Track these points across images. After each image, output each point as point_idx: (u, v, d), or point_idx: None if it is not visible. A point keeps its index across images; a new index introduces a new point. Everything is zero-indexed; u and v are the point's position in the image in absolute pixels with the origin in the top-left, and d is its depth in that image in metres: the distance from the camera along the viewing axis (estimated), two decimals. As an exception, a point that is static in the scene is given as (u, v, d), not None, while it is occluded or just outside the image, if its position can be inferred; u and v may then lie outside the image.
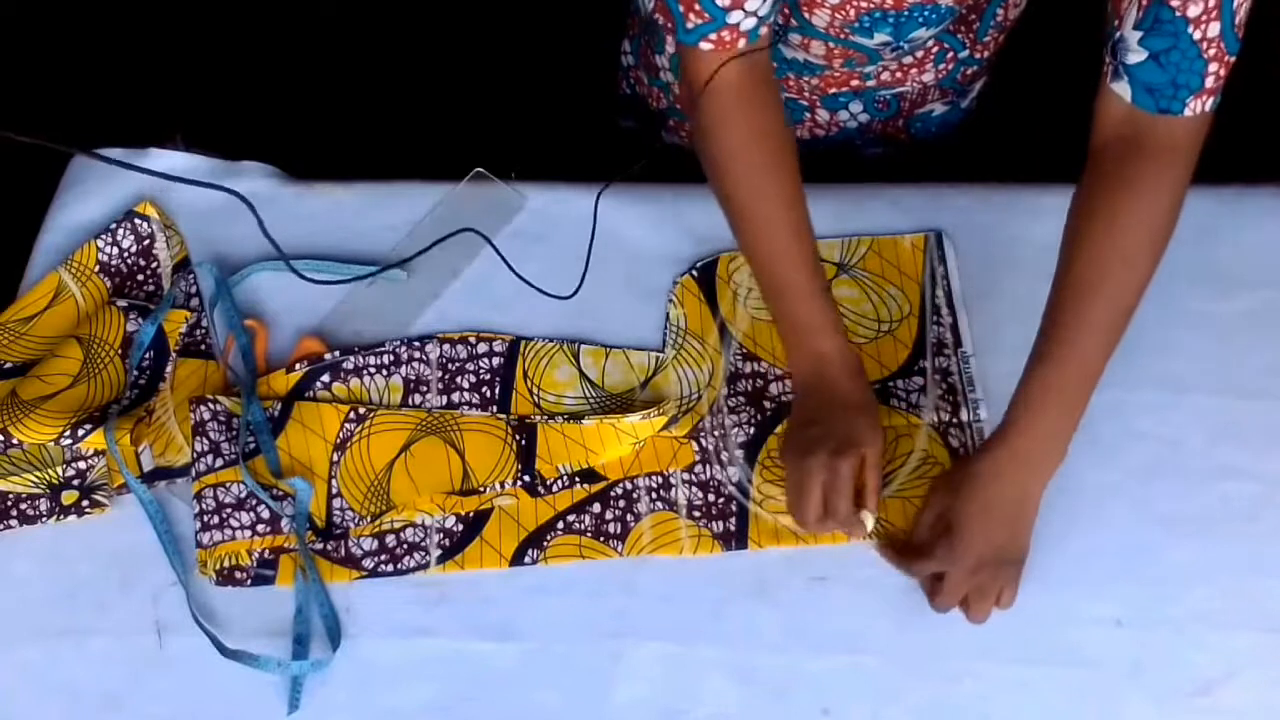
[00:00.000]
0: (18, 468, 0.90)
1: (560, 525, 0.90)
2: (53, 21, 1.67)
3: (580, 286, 0.96)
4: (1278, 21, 0.81)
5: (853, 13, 0.90)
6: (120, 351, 0.95)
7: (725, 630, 0.87)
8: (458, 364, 0.96)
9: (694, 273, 1.01)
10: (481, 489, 0.91)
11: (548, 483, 0.92)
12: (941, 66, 1.02)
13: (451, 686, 0.85)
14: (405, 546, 0.89)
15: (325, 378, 0.95)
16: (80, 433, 0.89)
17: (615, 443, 0.92)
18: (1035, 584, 0.86)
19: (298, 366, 0.95)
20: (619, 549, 0.89)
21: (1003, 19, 0.99)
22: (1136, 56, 0.78)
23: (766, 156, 0.87)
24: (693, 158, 0.91)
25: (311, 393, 0.95)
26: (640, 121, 1.20)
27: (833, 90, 1.05)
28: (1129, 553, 0.90)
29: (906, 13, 0.90)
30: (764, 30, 0.84)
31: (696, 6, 0.81)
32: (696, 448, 0.93)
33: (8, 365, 0.96)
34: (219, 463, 0.90)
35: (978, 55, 1.03)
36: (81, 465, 0.91)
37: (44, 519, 0.90)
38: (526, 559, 0.89)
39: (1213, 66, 0.77)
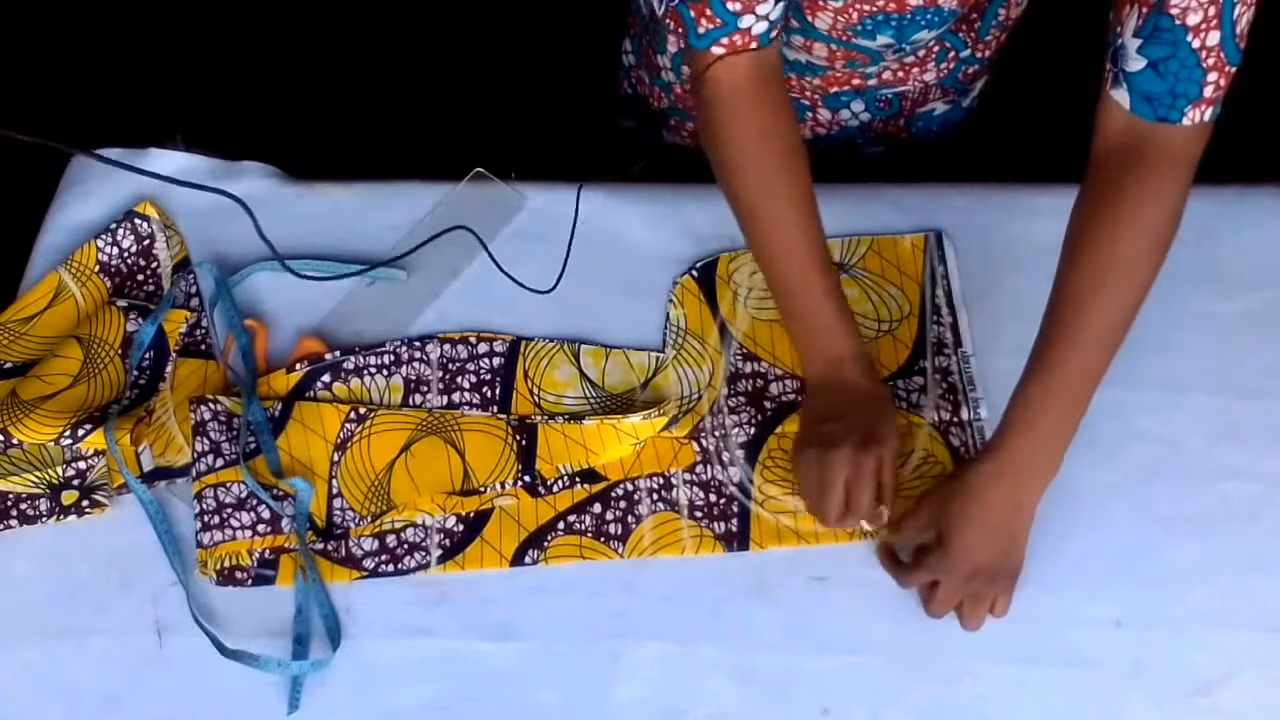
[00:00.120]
0: (18, 468, 0.90)
1: (561, 525, 0.90)
2: (53, 21, 1.67)
3: (559, 280, 0.95)
4: (1277, 22, 0.81)
5: (855, 15, 0.90)
6: (120, 351, 0.95)
7: (725, 630, 0.87)
8: (458, 364, 0.96)
9: (694, 273, 1.01)
10: (482, 489, 0.91)
11: (548, 483, 0.92)
12: (943, 66, 1.02)
13: (451, 686, 0.85)
14: (405, 546, 0.89)
15: (326, 378, 0.95)
16: (80, 433, 0.89)
17: (616, 443, 0.92)
18: (1035, 584, 0.86)
19: (298, 366, 0.95)
20: (620, 550, 0.89)
21: (1004, 18, 0.99)
22: (1135, 64, 0.78)
23: (775, 157, 0.87)
24: (694, 157, 0.91)
25: (312, 393, 0.95)
26: (641, 121, 1.20)
27: (834, 89, 1.05)
28: (1129, 553, 0.90)
29: (909, 15, 0.90)
30: (774, 34, 0.84)
31: (708, 11, 0.81)
32: (697, 448, 0.93)
33: (8, 365, 0.96)
34: (219, 463, 0.90)
35: (979, 54, 1.03)
36: (81, 465, 0.91)
37: (44, 519, 0.90)
38: (527, 559, 0.89)
39: (1212, 76, 0.77)
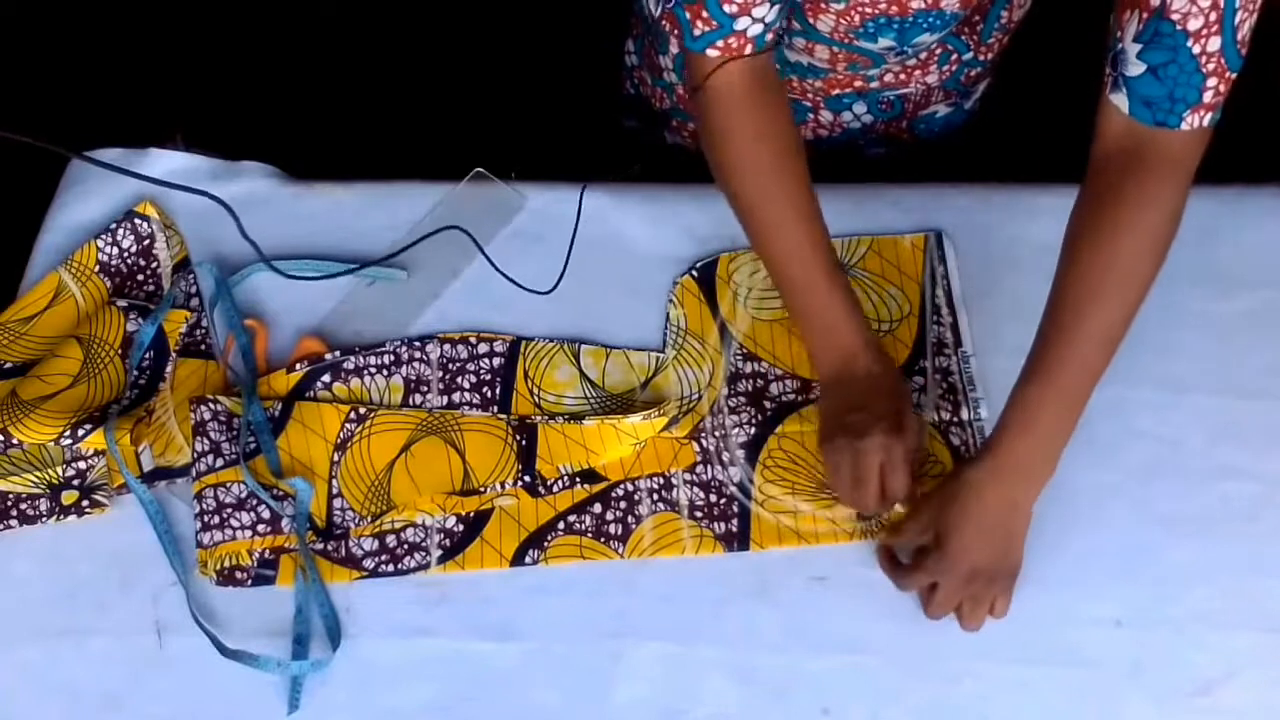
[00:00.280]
0: (18, 468, 0.90)
1: (561, 525, 0.90)
2: (53, 21, 1.67)
3: (559, 282, 0.95)
4: (1277, 21, 0.81)
5: (857, 18, 0.90)
6: (120, 351, 0.95)
7: (725, 630, 0.87)
8: (458, 364, 0.96)
9: (694, 273, 1.01)
10: (482, 489, 0.91)
11: (548, 483, 0.92)
12: (945, 68, 1.02)
13: (451, 686, 0.85)
14: (406, 546, 0.89)
15: (326, 378, 0.95)
16: (80, 433, 0.89)
17: (616, 443, 0.92)
18: (1035, 584, 0.86)
19: (298, 366, 0.95)
20: (620, 550, 0.89)
21: (1006, 21, 0.99)
22: (1135, 69, 0.78)
23: (774, 159, 0.87)
24: (695, 158, 0.91)
25: (312, 393, 0.95)
26: (643, 122, 1.20)
27: (836, 91, 1.05)
28: (1129, 553, 0.90)
29: (911, 18, 0.90)
30: (770, 37, 0.84)
31: (704, 14, 0.81)
32: (697, 448, 0.93)
33: (8, 365, 0.96)
34: (219, 463, 0.90)
35: (981, 57, 1.03)
36: (81, 465, 0.91)
37: (44, 519, 0.90)
38: (527, 559, 0.89)
39: (1212, 81, 0.77)
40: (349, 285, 0.99)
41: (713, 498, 0.91)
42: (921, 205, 1.04)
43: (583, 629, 0.87)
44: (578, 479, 0.92)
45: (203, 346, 0.97)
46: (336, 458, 0.92)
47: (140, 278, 1.00)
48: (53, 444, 0.90)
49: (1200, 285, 0.99)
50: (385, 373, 0.96)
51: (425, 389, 0.95)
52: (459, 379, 0.96)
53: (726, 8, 0.81)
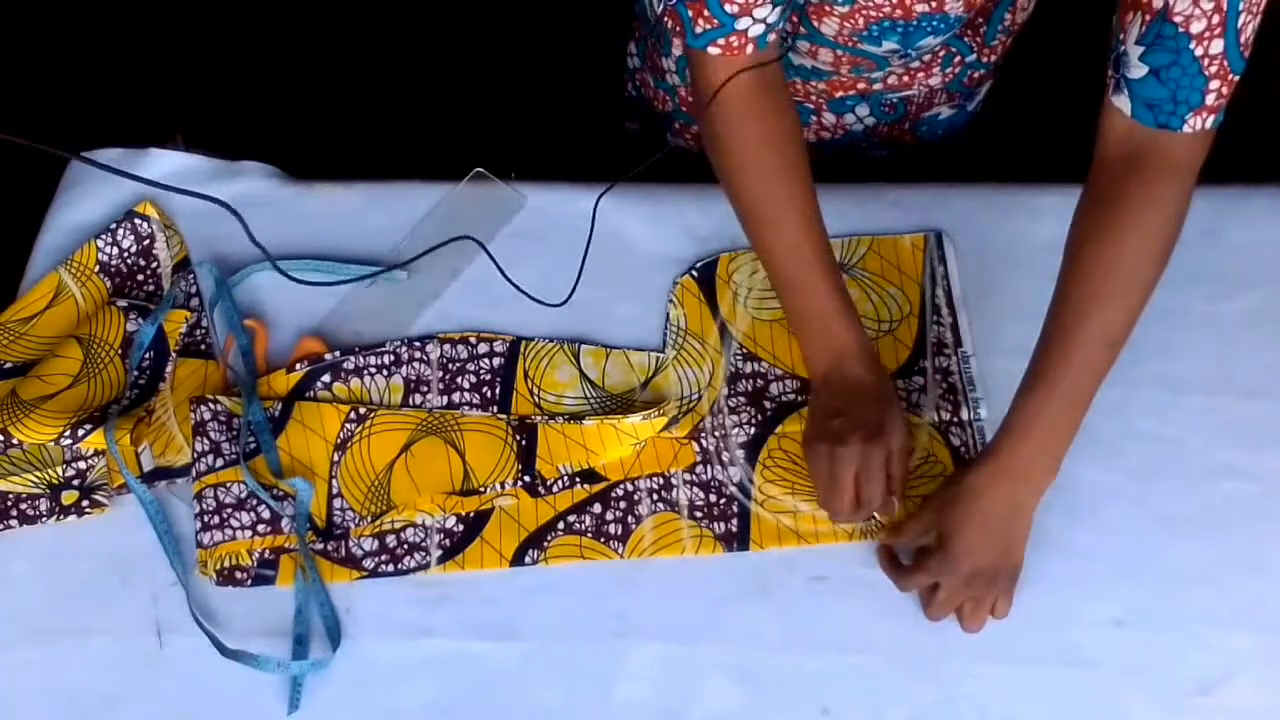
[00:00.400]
0: (18, 468, 0.90)
1: (561, 525, 0.90)
2: (53, 21, 1.67)
3: (573, 293, 0.95)
4: (1277, 20, 0.81)
5: (862, 21, 0.90)
6: (120, 351, 0.95)
7: (725, 630, 0.87)
8: (458, 364, 0.96)
9: (694, 273, 1.01)
10: (482, 489, 0.91)
11: (548, 483, 0.92)
12: (948, 70, 1.02)
13: (451, 686, 0.85)
14: (406, 547, 0.89)
15: (326, 378, 0.95)
16: (80, 433, 0.89)
17: (616, 443, 0.92)
18: (1035, 584, 0.86)
19: (298, 366, 0.95)
20: (620, 550, 0.89)
21: (1010, 23, 0.99)
22: (1138, 71, 0.77)
23: (776, 158, 0.87)
24: (697, 160, 0.91)
25: (312, 393, 0.95)
26: (645, 123, 1.20)
27: (839, 94, 1.05)
28: (1129, 553, 0.90)
29: (915, 22, 0.90)
30: (772, 37, 0.84)
31: (705, 12, 0.81)
32: (697, 448, 0.93)
33: (8, 365, 0.96)
34: (219, 463, 0.90)
35: (985, 59, 1.03)
36: (81, 465, 0.91)
37: (44, 519, 0.90)
38: (527, 559, 0.89)
39: (1214, 84, 0.76)
40: (349, 285, 0.99)
41: (713, 498, 0.91)
42: (922, 205, 1.04)
43: (583, 629, 0.87)
44: (578, 479, 0.92)
45: (203, 346, 0.97)
46: (336, 458, 0.92)
47: (140, 278, 1.00)
48: (53, 444, 0.90)
49: (1200, 285, 0.99)
50: (385, 373, 0.96)
51: (425, 389, 0.95)
52: (459, 379, 0.96)
53: (727, 7, 0.81)
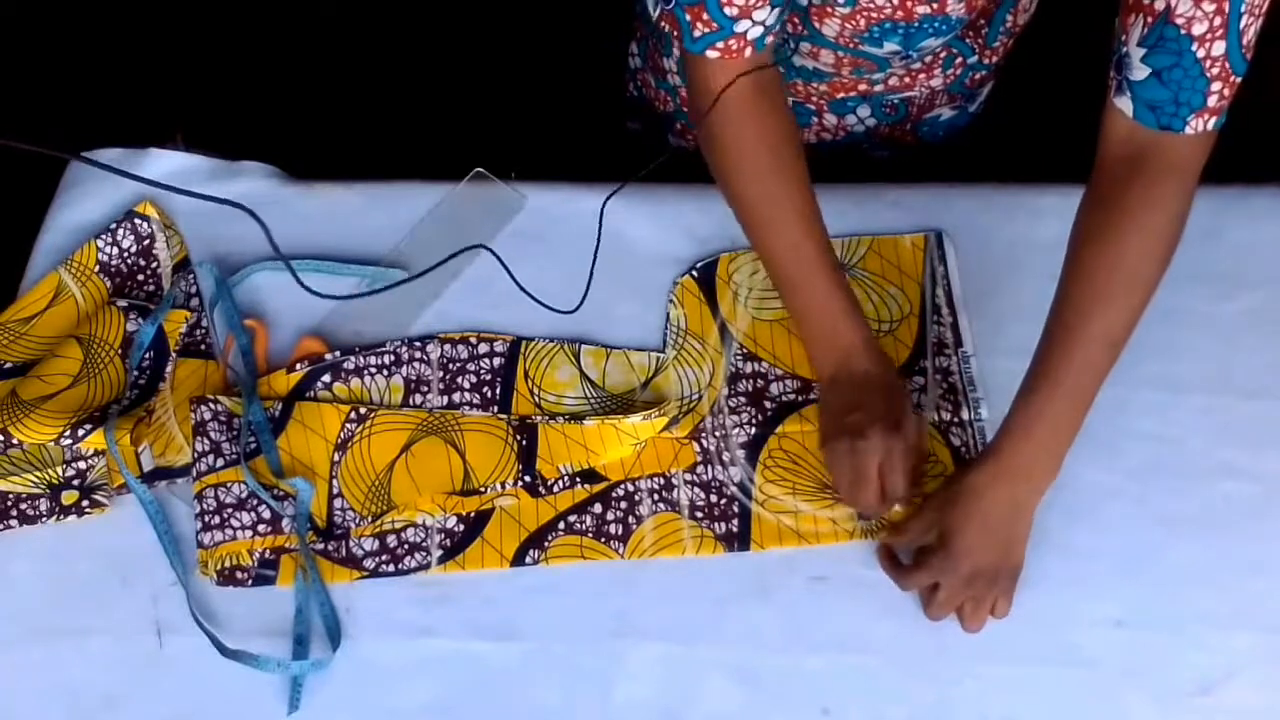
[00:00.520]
0: (18, 468, 0.90)
1: (561, 525, 0.90)
2: (53, 21, 1.67)
3: (584, 300, 0.93)
4: (1277, 21, 0.81)
5: (863, 23, 0.90)
6: (120, 351, 0.95)
7: (725, 630, 0.87)
8: (458, 364, 0.96)
9: (694, 273, 1.01)
10: (482, 489, 0.91)
11: (549, 483, 0.92)
12: (950, 72, 1.02)
13: (451, 686, 0.85)
14: (406, 547, 0.89)
15: (326, 378, 0.95)
16: (80, 433, 0.89)
17: (616, 443, 0.92)
18: (1035, 584, 0.86)
19: (298, 366, 0.95)
20: (620, 550, 0.89)
21: (1011, 25, 0.99)
22: (1140, 73, 0.77)
23: (773, 159, 0.87)
24: (698, 161, 0.91)
25: (312, 393, 0.95)
26: (647, 124, 1.20)
27: (840, 95, 1.05)
28: (1129, 553, 0.90)
29: (916, 24, 0.90)
30: (769, 39, 0.84)
31: (704, 15, 0.81)
32: (698, 448, 0.93)
33: (8, 365, 0.96)
34: (220, 463, 0.90)
35: (986, 60, 1.03)
36: (81, 465, 0.91)
37: (44, 519, 0.90)
38: (527, 559, 0.89)
39: (1216, 85, 0.76)
40: (349, 286, 0.99)
41: (713, 498, 0.91)
42: (922, 206, 1.04)
43: (583, 629, 0.87)
44: (578, 479, 0.92)
45: (203, 346, 0.97)
46: (337, 458, 0.92)
47: (140, 278, 1.00)
48: (53, 444, 0.90)
49: (1200, 285, 0.99)
50: (385, 373, 0.96)
51: (425, 389, 0.95)
52: (459, 379, 0.96)
53: (727, 10, 0.81)
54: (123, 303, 0.97)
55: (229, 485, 0.89)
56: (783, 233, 0.89)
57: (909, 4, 0.88)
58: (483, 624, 0.87)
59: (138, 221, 1.01)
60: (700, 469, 0.93)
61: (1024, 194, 1.04)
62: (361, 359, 0.96)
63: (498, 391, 0.95)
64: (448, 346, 0.97)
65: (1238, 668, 0.85)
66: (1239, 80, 0.77)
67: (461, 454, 0.92)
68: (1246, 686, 0.85)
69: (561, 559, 0.89)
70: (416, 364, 0.96)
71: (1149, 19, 0.76)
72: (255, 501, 0.89)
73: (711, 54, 0.83)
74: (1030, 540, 0.85)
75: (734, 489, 0.92)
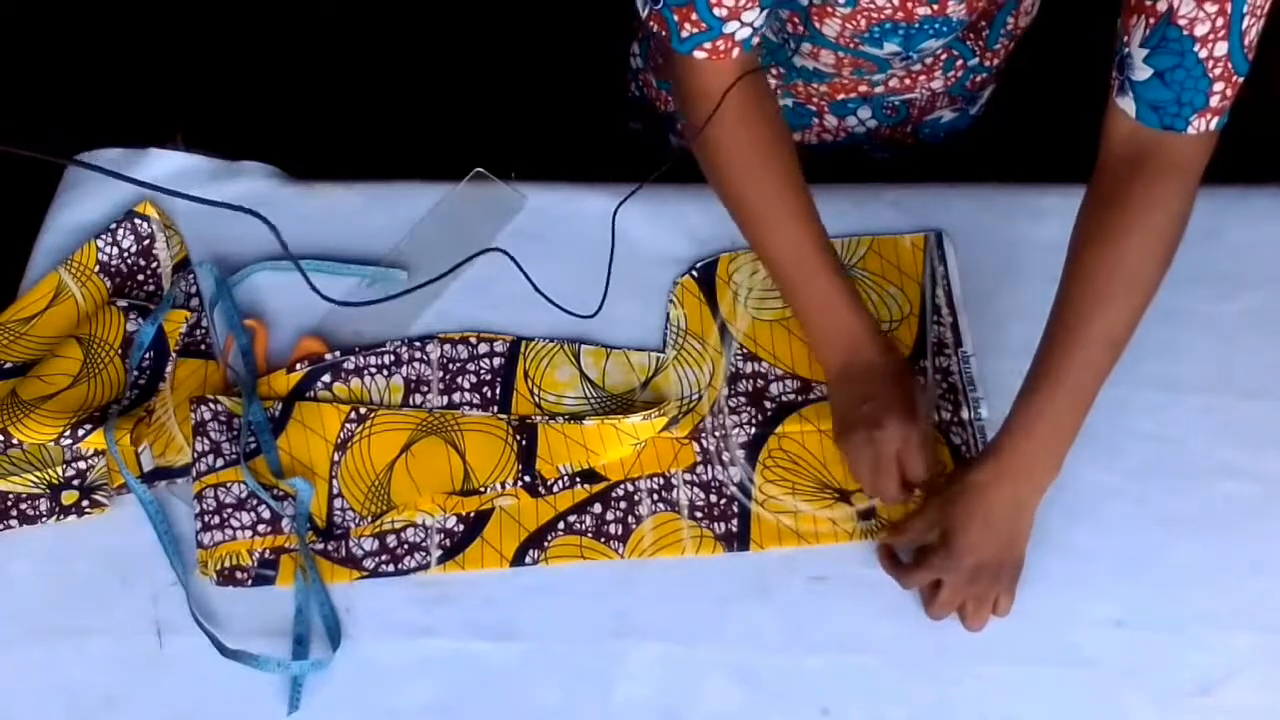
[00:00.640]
0: (18, 468, 0.90)
1: (561, 525, 0.90)
2: (54, 21, 1.67)
3: (602, 305, 0.92)
4: (1278, 21, 0.81)
5: (863, 23, 0.90)
6: (120, 351, 0.95)
7: (725, 630, 0.87)
8: (458, 364, 0.96)
9: (694, 273, 1.01)
10: (482, 489, 0.91)
11: (548, 483, 0.92)
12: (951, 74, 1.02)
13: (451, 686, 0.85)
14: (406, 547, 0.89)
15: (326, 378, 0.95)
16: (80, 433, 0.89)
17: (616, 443, 0.92)
18: (1035, 584, 0.86)
19: (298, 366, 0.95)
20: (620, 550, 0.89)
21: (1013, 27, 0.99)
22: (1142, 74, 0.77)
23: (767, 159, 0.87)
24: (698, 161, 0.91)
25: (312, 393, 0.95)
26: (648, 124, 1.20)
27: (841, 96, 1.05)
28: (1129, 553, 0.90)
29: (917, 25, 0.90)
30: (756, 40, 0.84)
31: (693, 16, 0.81)
32: (698, 448, 0.93)
33: (8, 365, 0.96)
34: (220, 463, 0.90)
35: (987, 63, 1.03)
36: (81, 465, 0.91)
37: (44, 519, 0.90)
38: (527, 559, 0.89)
39: (1218, 85, 0.76)
40: (349, 285, 0.99)
41: (713, 498, 0.91)
42: (922, 206, 1.04)
43: (583, 629, 0.87)
44: (578, 479, 0.92)
45: (203, 346, 0.97)
46: (337, 458, 0.92)
47: (140, 278, 1.00)
48: (53, 444, 0.90)
49: (1200, 285, 0.99)
50: (385, 373, 0.96)
51: (425, 389, 0.95)
52: (459, 379, 0.96)
53: (716, 11, 0.80)
54: (123, 303, 0.97)
55: (229, 485, 0.89)
56: (781, 231, 0.89)
57: (909, 5, 0.88)
58: (483, 624, 0.87)
59: (138, 221, 1.01)
60: (700, 469, 0.93)
61: (1024, 194, 1.04)
62: (361, 359, 0.96)
63: (498, 391, 0.95)
64: (448, 346, 0.97)
65: (1238, 668, 0.85)
66: (1241, 80, 0.77)
67: (461, 454, 0.92)
68: (1246, 686, 0.85)
69: (561, 559, 0.89)
70: (416, 364, 0.96)
71: (1151, 20, 0.76)
72: (255, 501, 0.89)
73: (699, 54, 0.83)
74: (1030, 540, 0.85)
75: (734, 489, 0.92)
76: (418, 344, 0.97)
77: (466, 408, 0.95)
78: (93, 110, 1.51)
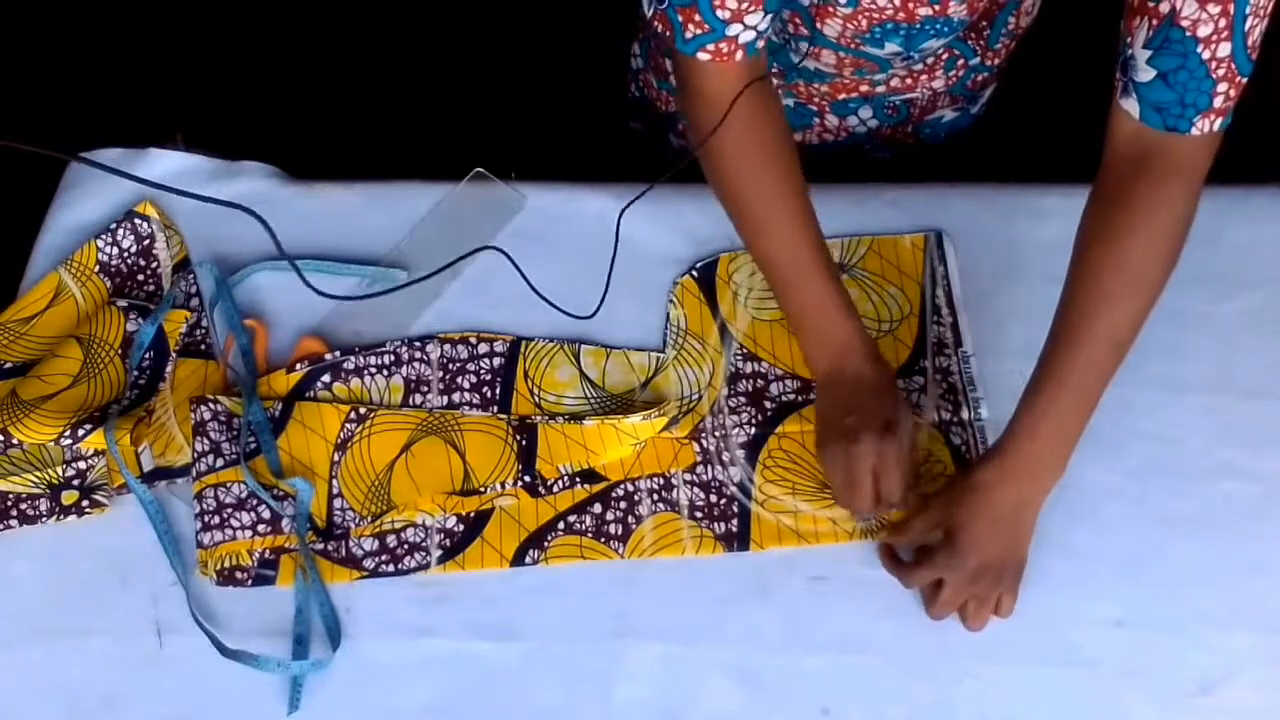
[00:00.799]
0: (18, 468, 0.90)
1: (561, 525, 0.90)
2: (54, 21, 1.67)
3: (600, 306, 0.93)
4: (1278, 21, 0.81)
5: (865, 23, 0.90)
6: (120, 351, 0.95)
7: (725, 630, 0.87)
8: (458, 364, 0.96)
9: (694, 273, 1.01)
10: (482, 489, 0.91)
11: (548, 483, 0.92)
12: (952, 73, 1.02)
13: (451, 686, 0.85)
14: (406, 547, 0.89)
15: (326, 378, 0.95)
16: (80, 433, 0.89)
17: (616, 443, 0.92)
18: (1035, 584, 0.86)
19: (298, 366, 0.95)
20: (620, 550, 0.89)
21: (1014, 27, 0.99)
22: (1145, 75, 0.77)
23: (768, 162, 0.87)
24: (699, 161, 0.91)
25: (312, 393, 0.95)
26: (648, 124, 1.20)
27: (842, 96, 1.05)
28: (1129, 553, 0.90)
29: (918, 25, 0.90)
30: (761, 44, 0.84)
31: (696, 17, 0.81)
32: (697, 448, 0.93)
33: (8, 365, 0.96)
34: (220, 463, 0.90)
35: (988, 62, 1.03)
36: (81, 465, 0.91)
37: (44, 519, 0.90)
38: (527, 559, 0.89)
39: (1222, 87, 0.76)
40: (349, 286, 0.99)
41: (713, 498, 0.91)
42: (922, 206, 1.04)
43: (583, 629, 0.87)
44: (578, 479, 0.92)
45: (203, 346, 0.97)
46: (337, 458, 0.92)
47: (140, 278, 1.00)
48: (53, 444, 0.90)
49: (1201, 285, 0.99)
50: (385, 373, 0.96)
51: (425, 389, 0.95)
52: (459, 379, 0.96)
53: (719, 12, 0.80)
54: (123, 303, 0.97)
55: (229, 485, 0.89)
56: (777, 233, 0.89)
57: (911, 5, 0.88)
58: (483, 624, 0.87)
59: (138, 221, 1.01)
60: (700, 469, 0.93)
61: (1025, 194, 1.04)
62: (361, 359, 0.96)
63: (497, 391, 0.95)
64: (448, 346, 0.97)
65: (1238, 668, 0.85)
66: (1244, 81, 0.77)
67: (461, 454, 0.92)
68: (1246, 686, 0.85)
69: (561, 559, 0.89)
70: (416, 364, 0.96)
71: (1154, 21, 0.76)
72: (255, 501, 0.89)
73: (703, 55, 0.83)
74: (1032, 540, 0.85)
75: (734, 489, 0.92)
76: (418, 344, 0.97)
77: (466, 408, 0.95)
78: (93, 110, 1.51)
